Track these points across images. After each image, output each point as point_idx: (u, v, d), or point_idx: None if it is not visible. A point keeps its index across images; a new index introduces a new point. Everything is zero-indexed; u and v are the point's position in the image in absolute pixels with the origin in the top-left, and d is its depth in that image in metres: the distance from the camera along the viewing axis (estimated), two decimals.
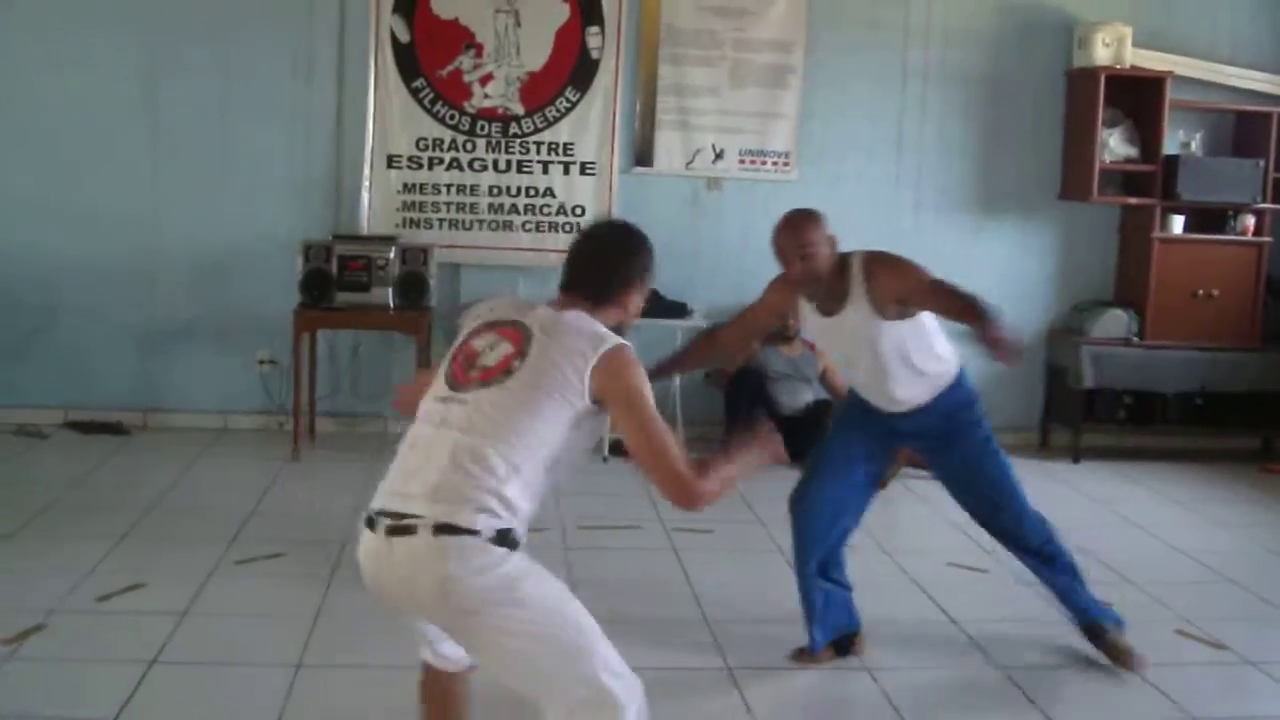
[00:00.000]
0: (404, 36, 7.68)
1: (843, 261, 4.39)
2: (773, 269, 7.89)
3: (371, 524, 2.91)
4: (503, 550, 2.83)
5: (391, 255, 7.30)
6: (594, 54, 7.79)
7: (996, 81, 8.20)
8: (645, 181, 7.98)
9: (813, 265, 4.29)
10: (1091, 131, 7.86)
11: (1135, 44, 7.93)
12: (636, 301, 3.24)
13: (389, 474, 2.99)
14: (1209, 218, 8.15)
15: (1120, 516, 6.87)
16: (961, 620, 5.11)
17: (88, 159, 7.69)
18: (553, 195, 7.87)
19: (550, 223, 7.83)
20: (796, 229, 4.32)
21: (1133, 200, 8.09)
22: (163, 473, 6.88)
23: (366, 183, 7.76)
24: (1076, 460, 8.03)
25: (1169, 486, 7.53)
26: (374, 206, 7.77)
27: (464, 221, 7.82)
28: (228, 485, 6.80)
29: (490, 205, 7.84)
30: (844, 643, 4.66)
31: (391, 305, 7.28)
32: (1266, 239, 8.16)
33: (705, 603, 5.21)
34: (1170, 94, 7.91)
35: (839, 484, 4.62)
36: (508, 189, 7.84)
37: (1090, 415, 8.10)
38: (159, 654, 4.44)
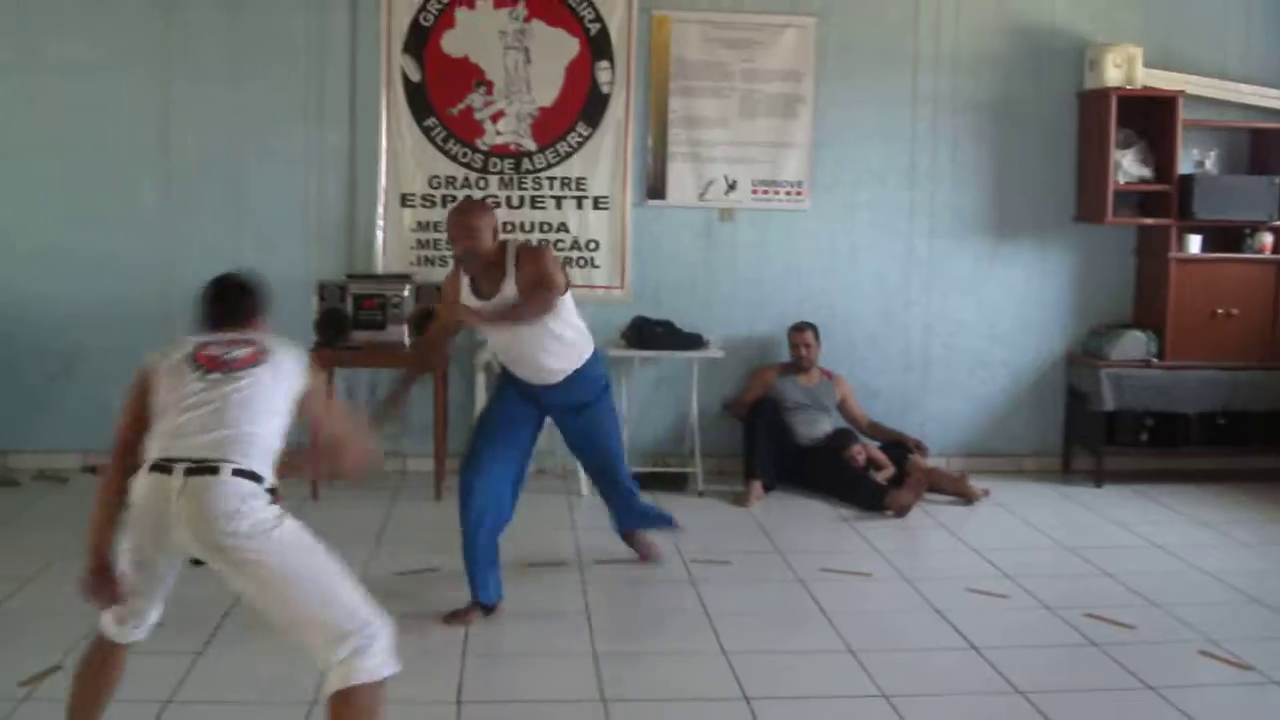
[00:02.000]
0: (415, 75, 7.72)
1: (501, 248, 5.22)
2: (786, 297, 8.01)
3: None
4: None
5: (406, 293, 7.31)
6: (604, 88, 7.81)
7: (1008, 105, 8.17)
8: (658, 214, 7.97)
9: (476, 245, 5.09)
10: (1105, 153, 7.83)
11: (1146, 64, 7.89)
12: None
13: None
14: (1226, 236, 8.09)
15: (1144, 539, 6.80)
16: (981, 646, 5.05)
17: (105, 204, 7.73)
18: (567, 230, 7.88)
19: (565, 258, 7.82)
20: (464, 213, 5.19)
21: (1148, 221, 8.03)
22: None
23: (381, 222, 7.78)
24: (1099, 484, 7.96)
25: (1193, 508, 7.45)
26: (388, 245, 7.79)
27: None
28: None
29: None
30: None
31: (407, 343, 7.29)
32: None
33: (722, 633, 5.17)
34: (1183, 113, 7.86)
35: (510, 451, 5.44)
36: (522, 225, 7.85)
37: (1112, 438, 8.01)
38: (174, 693, 4.44)
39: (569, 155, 7.83)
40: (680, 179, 7.96)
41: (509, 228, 7.80)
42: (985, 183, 8.20)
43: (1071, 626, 5.31)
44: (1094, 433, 8.04)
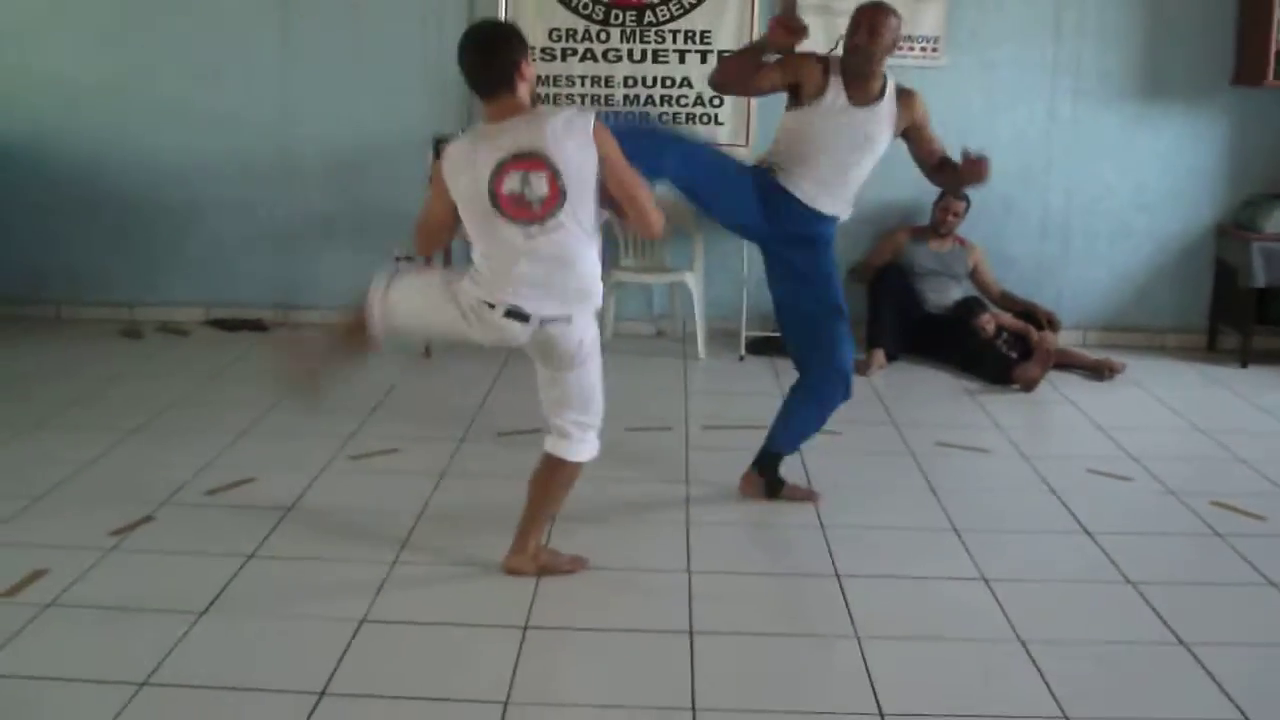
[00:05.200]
0: None
1: (883, 77, 4.74)
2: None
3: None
4: None
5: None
6: None
7: None
8: None
9: (878, 42, 4.60)
10: (1268, 10, 7.27)
11: None
12: (529, 69, 3.85)
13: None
14: None
15: None
16: (1095, 531, 4.79)
17: (225, 60, 7.71)
18: (690, 85, 7.60)
19: (688, 114, 7.58)
20: (878, 9, 4.64)
21: None
22: None
23: None
24: (1244, 364, 7.55)
25: None
26: None
27: (600, 114, 7.58)
28: (356, 381, 6.75)
29: (626, 97, 7.61)
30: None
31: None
32: None
33: (821, 505, 4.99)
34: None
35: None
36: (643, 80, 7.60)
37: (1261, 317, 7.58)
38: (258, 548, 4.41)
39: (693, 8, 7.53)
40: (811, 32, 7.58)
41: (630, 82, 7.57)
42: (1135, 40, 7.70)
43: (1195, 514, 5.02)
44: (1242, 310, 7.60)
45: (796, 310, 4.89)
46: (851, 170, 4.75)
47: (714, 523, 4.80)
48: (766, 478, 5.05)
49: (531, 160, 3.69)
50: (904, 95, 4.78)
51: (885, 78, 4.74)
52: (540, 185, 3.69)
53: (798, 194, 4.71)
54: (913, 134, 4.84)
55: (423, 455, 5.51)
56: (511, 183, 3.70)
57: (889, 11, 4.64)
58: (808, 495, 5.07)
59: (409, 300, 4.04)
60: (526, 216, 3.73)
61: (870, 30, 4.58)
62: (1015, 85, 7.72)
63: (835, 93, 4.66)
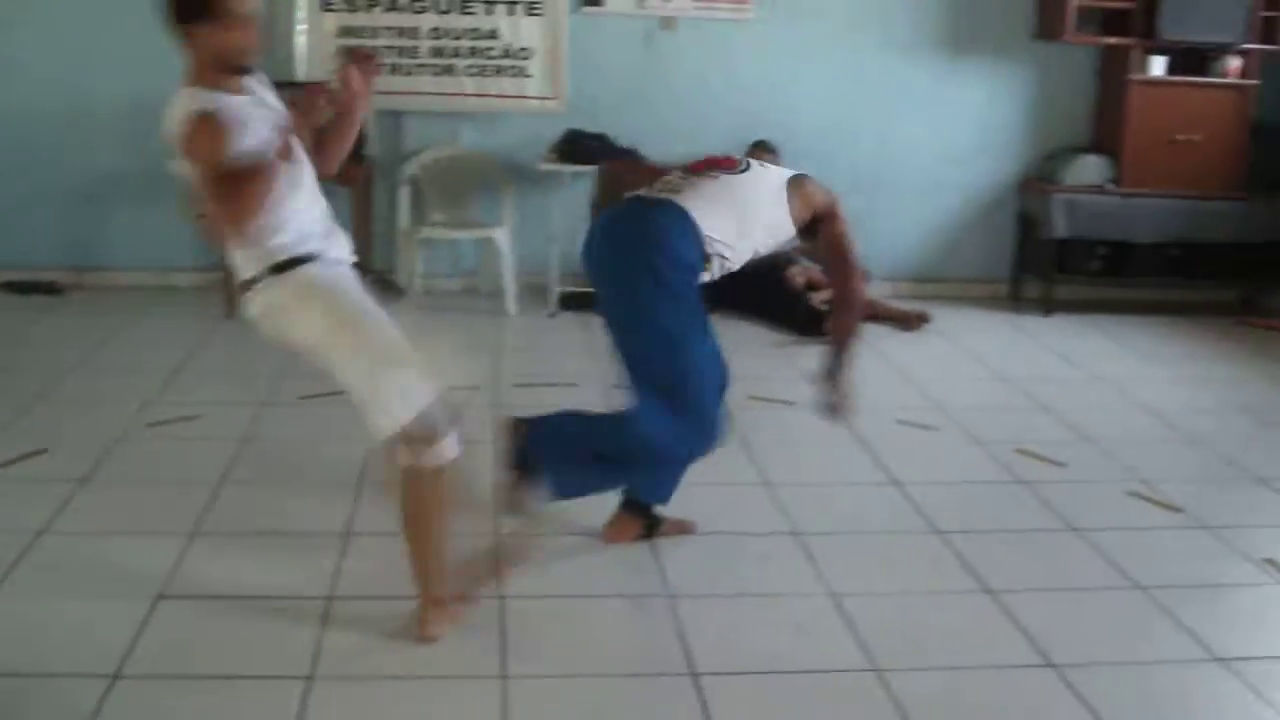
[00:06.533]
0: None
1: None
2: (727, 111, 7.64)
3: None
4: None
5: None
6: None
7: None
8: (595, 22, 7.55)
9: None
10: None
11: None
12: (209, 33, 3.30)
13: None
14: (1192, 59, 7.71)
15: (1089, 373, 6.58)
16: (904, 481, 4.83)
17: (14, 9, 7.32)
18: (497, 37, 7.43)
19: (495, 66, 7.42)
20: None
21: (1111, 40, 7.64)
22: (90, 334, 6.60)
23: (302, 26, 7.33)
24: (1047, 313, 7.73)
25: (1143, 341, 7.24)
26: (309, 52, 7.35)
27: (405, 66, 7.41)
28: (155, 345, 6.52)
29: (432, 49, 7.42)
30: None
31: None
32: (1253, 82, 7.72)
33: None
34: None
35: None
36: (450, 31, 7.41)
37: (1062, 266, 7.74)
38: (50, 523, 4.19)
39: None
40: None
41: (436, 34, 7.39)
42: None
43: (1000, 463, 5.11)
44: (1044, 260, 7.77)
45: None
46: None
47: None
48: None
49: None
50: None
51: None
52: None
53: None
54: None
55: (224, 420, 5.31)
56: None
57: None
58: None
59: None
60: None
61: None
62: (823, 39, 7.74)
63: None
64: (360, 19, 7.36)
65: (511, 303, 7.25)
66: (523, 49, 7.43)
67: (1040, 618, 3.71)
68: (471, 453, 3.59)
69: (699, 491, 4.64)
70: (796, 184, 4.08)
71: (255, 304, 3.44)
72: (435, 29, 7.39)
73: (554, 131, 7.42)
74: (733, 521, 4.41)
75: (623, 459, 4.00)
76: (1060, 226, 7.55)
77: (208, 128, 3.17)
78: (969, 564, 4.09)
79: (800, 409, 5.72)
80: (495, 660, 3.39)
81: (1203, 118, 7.70)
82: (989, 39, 7.81)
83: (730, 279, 7.16)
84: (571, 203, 7.36)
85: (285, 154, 3.28)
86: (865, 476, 4.92)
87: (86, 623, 3.55)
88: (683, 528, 4.30)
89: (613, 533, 4.22)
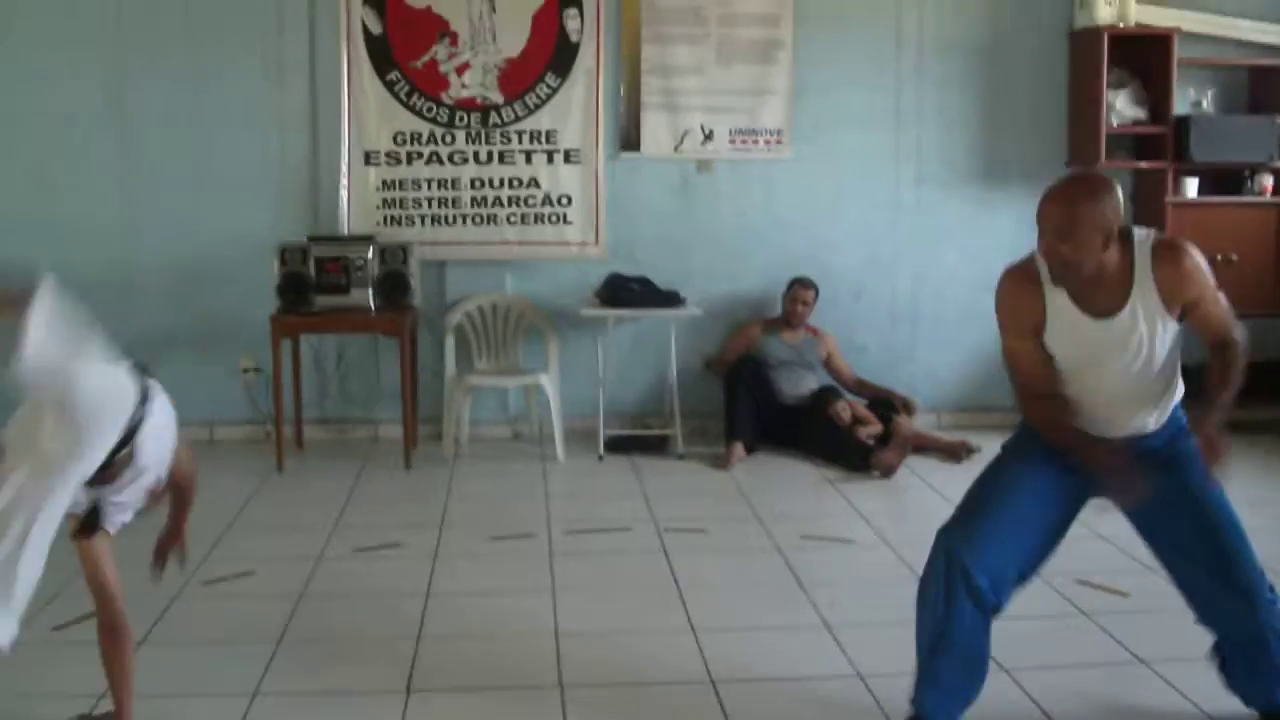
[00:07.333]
0: (376, 28, 7.42)
1: (1123, 242, 3.46)
2: (767, 250, 7.72)
3: None
4: None
5: (370, 255, 7.01)
6: (573, 36, 7.50)
7: (996, 46, 7.86)
8: (633, 167, 7.69)
9: (1083, 249, 3.38)
10: (1097, 94, 7.51)
11: (1139, 0, 7.57)
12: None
13: None
14: (1225, 179, 7.80)
15: None
16: None
17: (61, 172, 7.47)
18: (537, 185, 7.58)
19: (536, 214, 7.56)
20: (1068, 201, 3.41)
21: (1143, 164, 7.73)
22: None
23: (344, 181, 7.50)
24: None
25: None
26: (353, 206, 7.51)
27: (447, 217, 7.56)
28: (206, 500, 6.47)
29: (473, 199, 7.57)
30: None
31: (372, 306, 7.01)
32: None
33: (691, 607, 4.90)
34: (1178, 51, 7.55)
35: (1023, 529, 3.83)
36: (490, 181, 7.57)
37: None
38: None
39: (538, 108, 7.54)
40: (655, 130, 7.67)
41: (476, 184, 7.54)
42: (973, 127, 7.91)
43: (1064, 596, 5.06)
44: None
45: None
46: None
47: (585, 633, 4.69)
48: None
49: None
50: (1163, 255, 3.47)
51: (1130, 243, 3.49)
52: None
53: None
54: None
55: (279, 576, 5.32)
56: None
57: (1087, 197, 3.38)
58: None
59: None
60: None
61: (1060, 236, 3.41)
62: (860, 174, 7.85)
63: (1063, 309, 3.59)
64: (401, 172, 7.51)
65: (560, 448, 7.27)
66: (562, 196, 7.56)
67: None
68: None
69: (757, 637, 4.64)
70: None
71: None
72: (476, 179, 7.53)
73: (595, 276, 7.50)
74: (796, 667, 4.36)
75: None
76: None
77: None
78: (1035, 698, 4.05)
79: (856, 546, 5.73)
80: None
81: (1239, 236, 7.74)
82: (1022, 169, 7.88)
83: (777, 416, 7.28)
84: (615, 347, 7.44)
85: None
86: None
87: None
88: None
89: None
